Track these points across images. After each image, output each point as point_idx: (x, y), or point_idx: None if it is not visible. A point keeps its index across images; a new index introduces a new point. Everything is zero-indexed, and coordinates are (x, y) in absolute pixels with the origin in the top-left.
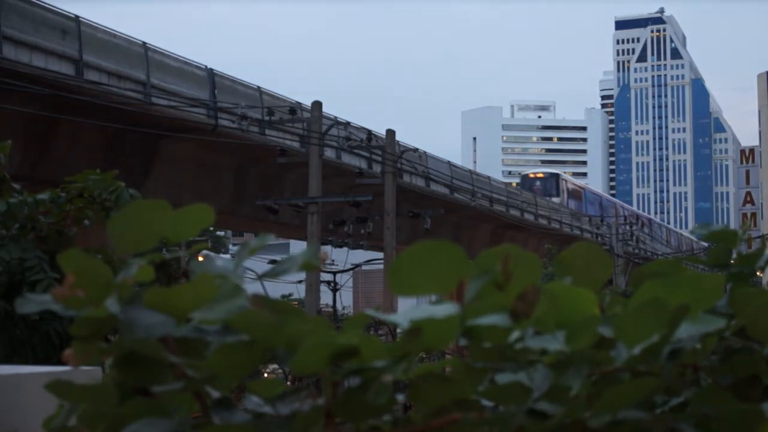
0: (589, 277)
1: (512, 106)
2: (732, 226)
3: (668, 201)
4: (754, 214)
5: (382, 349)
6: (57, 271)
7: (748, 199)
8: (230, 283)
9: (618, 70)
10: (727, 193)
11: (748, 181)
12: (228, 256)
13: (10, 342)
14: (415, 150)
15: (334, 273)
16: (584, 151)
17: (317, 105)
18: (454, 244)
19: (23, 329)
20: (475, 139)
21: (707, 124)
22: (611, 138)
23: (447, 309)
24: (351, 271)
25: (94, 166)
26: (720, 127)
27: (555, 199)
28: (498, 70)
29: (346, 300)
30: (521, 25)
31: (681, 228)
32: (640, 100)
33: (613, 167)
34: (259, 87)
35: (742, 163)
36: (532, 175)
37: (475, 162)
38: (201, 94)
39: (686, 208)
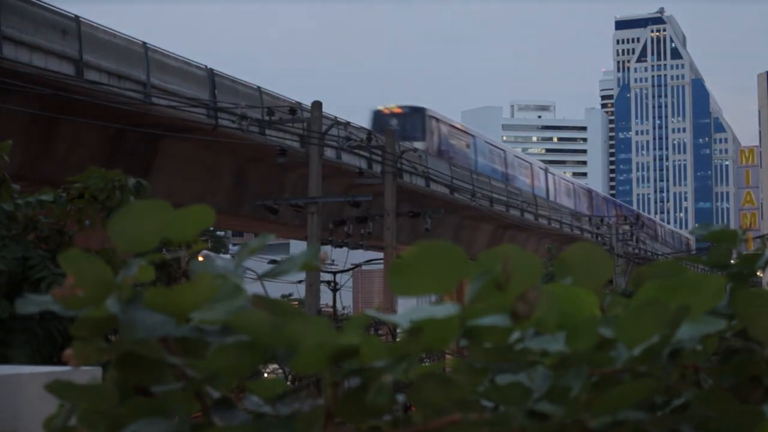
0: (590, 277)
1: (512, 106)
2: (732, 226)
3: (668, 201)
4: (754, 214)
5: (383, 349)
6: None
7: (748, 199)
8: (230, 283)
9: (618, 70)
10: (727, 193)
11: (748, 181)
12: (228, 256)
13: (27, 341)
14: (415, 150)
15: (334, 273)
16: (584, 151)
17: (317, 105)
18: (454, 245)
19: (30, 327)
20: None
21: (707, 124)
22: (611, 138)
23: (447, 309)
24: (351, 271)
25: (95, 166)
26: (720, 127)
27: (419, 144)
28: (498, 70)
29: (346, 300)
30: (521, 25)
31: (681, 228)
32: (640, 100)
33: (613, 167)
34: (259, 87)
35: (742, 163)
36: (386, 111)
37: None
38: (201, 94)
39: (686, 208)
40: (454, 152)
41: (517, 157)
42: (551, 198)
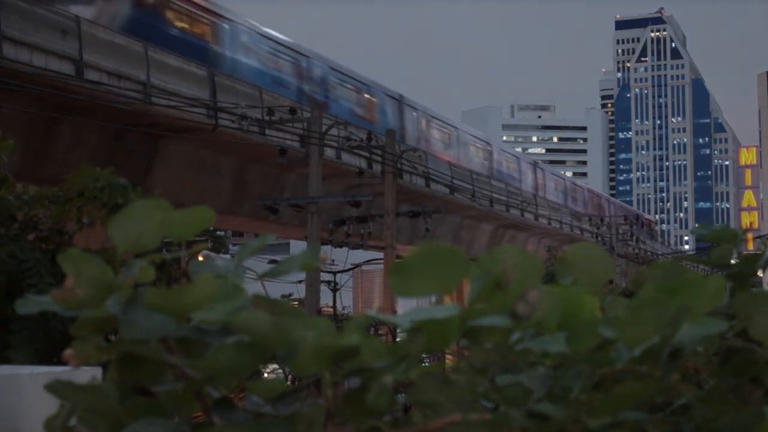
0: (590, 277)
1: (512, 106)
2: (732, 226)
3: (668, 201)
4: (754, 214)
5: (383, 349)
6: (56, 274)
7: (748, 199)
8: (230, 283)
9: (618, 70)
10: (727, 193)
11: (748, 181)
12: (228, 256)
13: (28, 340)
14: (415, 150)
15: (334, 273)
16: (584, 151)
17: (317, 104)
18: (455, 246)
19: (30, 326)
20: None
21: (707, 124)
22: (611, 138)
23: (448, 310)
24: (351, 271)
25: (94, 166)
26: (720, 127)
27: None
28: (498, 70)
29: (346, 300)
30: (522, 25)
31: (682, 228)
32: (640, 100)
33: (613, 167)
34: (259, 87)
35: (742, 163)
36: None
37: None
38: (201, 94)
39: (686, 208)
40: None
41: (323, 63)
42: (408, 141)
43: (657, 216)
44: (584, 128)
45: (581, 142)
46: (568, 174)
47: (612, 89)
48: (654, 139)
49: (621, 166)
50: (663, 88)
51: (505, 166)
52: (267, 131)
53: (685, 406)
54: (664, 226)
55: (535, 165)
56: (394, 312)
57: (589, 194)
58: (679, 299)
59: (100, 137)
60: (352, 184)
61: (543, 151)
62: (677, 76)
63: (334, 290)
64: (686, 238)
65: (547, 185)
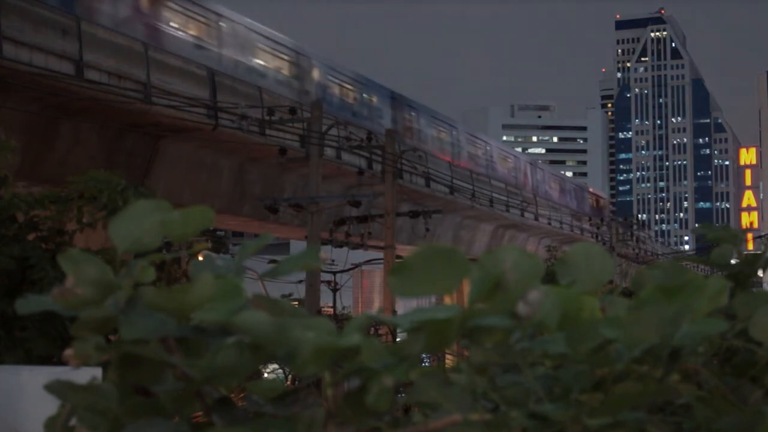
0: (590, 277)
1: (512, 106)
2: (732, 226)
3: (668, 201)
4: (754, 214)
5: (383, 350)
6: (60, 269)
7: (748, 199)
8: (230, 283)
9: (618, 70)
10: (727, 193)
11: (748, 181)
12: (228, 256)
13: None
14: (415, 150)
15: (334, 273)
16: (584, 151)
17: (317, 105)
18: (455, 248)
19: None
20: None
21: (707, 124)
22: (611, 138)
23: (448, 310)
24: (351, 271)
25: (94, 166)
26: (720, 127)
27: None
28: (498, 70)
29: (346, 300)
30: (522, 26)
31: (682, 228)
32: (640, 100)
33: (613, 167)
34: (259, 87)
35: (742, 163)
36: None
37: None
38: (201, 94)
39: (686, 208)
40: None
41: None
42: (229, 68)
43: (657, 216)
44: (584, 128)
45: (581, 142)
46: (569, 174)
47: (612, 89)
48: (654, 139)
49: (621, 166)
50: (663, 88)
51: (351, 97)
52: (267, 131)
53: (685, 407)
54: (664, 226)
55: (406, 104)
56: (394, 312)
57: (503, 156)
58: (680, 300)
59: (100, 137)
60: (352, 184)
61: (543, 151)
62: (677, 76)
63: (334, 290)
64: (686, 238)
65: (444, 139)
